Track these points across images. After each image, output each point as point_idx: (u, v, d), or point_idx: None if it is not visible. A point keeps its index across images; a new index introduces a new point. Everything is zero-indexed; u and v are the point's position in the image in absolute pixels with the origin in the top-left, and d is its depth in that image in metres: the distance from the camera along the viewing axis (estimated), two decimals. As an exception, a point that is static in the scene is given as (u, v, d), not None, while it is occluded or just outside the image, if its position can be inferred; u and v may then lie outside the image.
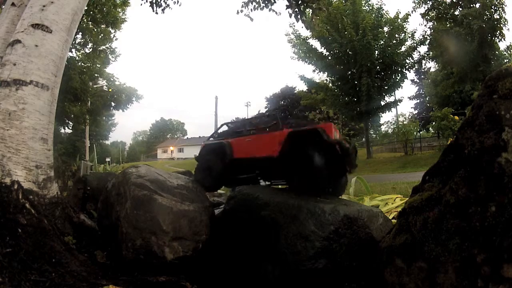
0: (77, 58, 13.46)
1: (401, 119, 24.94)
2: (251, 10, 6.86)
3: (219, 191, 4.84)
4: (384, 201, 4.22)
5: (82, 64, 13.47)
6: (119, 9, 13.52)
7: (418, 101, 37.52)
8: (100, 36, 13.49)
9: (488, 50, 15.74)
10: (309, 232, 2.15)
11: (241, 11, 6.90)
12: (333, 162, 2.69)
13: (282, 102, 38.18)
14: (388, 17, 19.14)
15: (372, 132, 29.60)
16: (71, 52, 12.43)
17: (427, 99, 33.39)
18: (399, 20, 18.56)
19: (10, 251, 1.85)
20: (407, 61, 19.12)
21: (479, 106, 1.56)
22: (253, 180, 3.40)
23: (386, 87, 19.58)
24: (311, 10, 7.24)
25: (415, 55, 19.16)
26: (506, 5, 15.25)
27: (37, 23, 2.92)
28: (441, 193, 1.62)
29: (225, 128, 4.04)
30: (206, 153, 3.51)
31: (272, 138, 3.04)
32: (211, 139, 3.79)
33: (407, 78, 20.48)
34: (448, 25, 16.96)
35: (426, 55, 19.35)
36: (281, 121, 3.32)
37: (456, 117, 17.11)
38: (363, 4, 19.39)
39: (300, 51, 19.82)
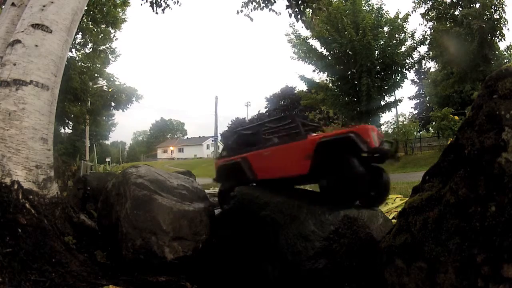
0: (77, 58, 13.45)
1: (401, 119, 24.83)
2: (251, 10, 6.86)
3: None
4: (384, 201, 4.22)
5: (82, 64, 13.45)
6: (119, 9, 13.51)
7: (418, 101, 37.50)
8: (100, 36, 13.48)
9: (488, 50, 15.74)
10: (309, 232, 2.15)
11: (241, 11, 6.91)
12: (372, 168, 2.41)
13: (282, 102, 38.21)
14: (388, 17, 19.10)
15: (372, 132, 29.43)
16: (71, 52, 12.43)
17: (427, 99, 33.34)
18: (399, 20, 18.54)
19: (10, 251, 1.85)
20: (407, 61, 19.07)
21: (479, 106, 1.56)
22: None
23: (386, 87, 19.54)
24: (311, 10, 7.24)
25: (415, 55, 19.12)
26: (506, 5, 15.26)
27: (37, 23, 2.91)
28: (441, 193, 1.62)
29: (229, 132, 3.73)
30: (225, 177, 3.17)
31: (297, 151, 2.59)
32: (224, 153, 3.43)
33: (407, 78, 20.42)
34: (448, 25, 16.97)
35: (426, 55, 19.31)
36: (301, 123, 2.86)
37: (456, 117, 17.12)
38: (363, 4, 19.38)
39: (300, 51, 19.80)
